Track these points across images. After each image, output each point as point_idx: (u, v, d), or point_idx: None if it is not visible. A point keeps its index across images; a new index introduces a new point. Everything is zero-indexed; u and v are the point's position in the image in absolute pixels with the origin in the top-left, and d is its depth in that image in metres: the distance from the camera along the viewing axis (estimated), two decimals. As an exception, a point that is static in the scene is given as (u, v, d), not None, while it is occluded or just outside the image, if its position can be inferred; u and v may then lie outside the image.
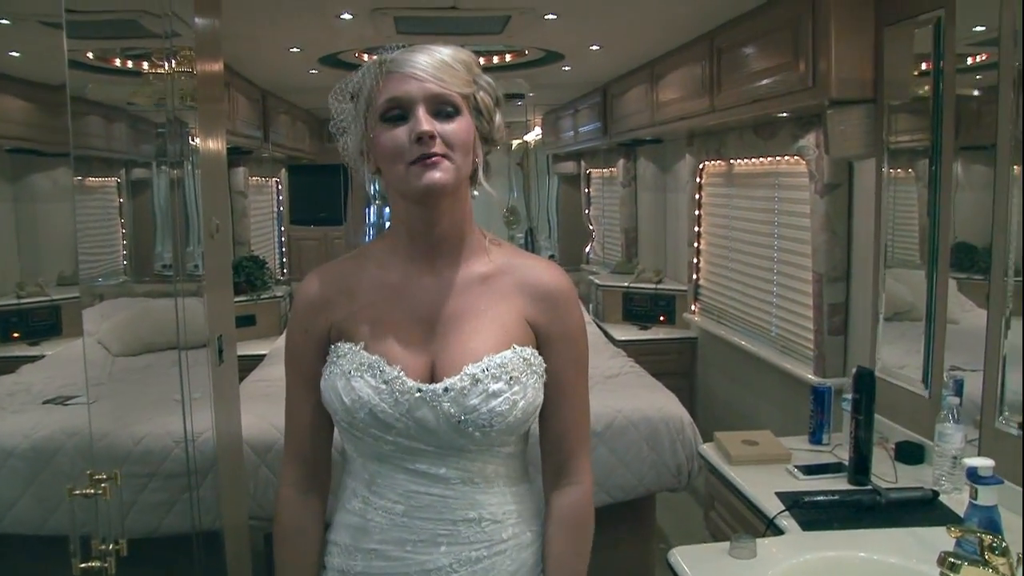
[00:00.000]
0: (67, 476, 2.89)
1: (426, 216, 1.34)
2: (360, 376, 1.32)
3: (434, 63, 1.28)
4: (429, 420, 1.30)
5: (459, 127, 1.29)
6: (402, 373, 1.31)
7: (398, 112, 1.28)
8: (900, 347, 2.78)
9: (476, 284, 1.38)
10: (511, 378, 1.31)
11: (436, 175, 1.26)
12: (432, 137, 1.26)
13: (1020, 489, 2.01)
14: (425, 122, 1.26)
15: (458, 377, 1.30)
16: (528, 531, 1.41)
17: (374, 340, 1.35)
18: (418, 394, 1.30)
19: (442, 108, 1.28)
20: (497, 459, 1.37)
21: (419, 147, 1.26)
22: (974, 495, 1.81)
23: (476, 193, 1.40)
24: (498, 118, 1.38)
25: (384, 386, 1.30)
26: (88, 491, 1.62)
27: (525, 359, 1.35)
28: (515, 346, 1.35)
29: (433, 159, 1.26)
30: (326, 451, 1.47)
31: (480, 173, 1.37)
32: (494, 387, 1.30)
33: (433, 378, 1.33)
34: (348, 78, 1.35)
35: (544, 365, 1.38)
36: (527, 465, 1.45)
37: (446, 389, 1.30)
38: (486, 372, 1.30)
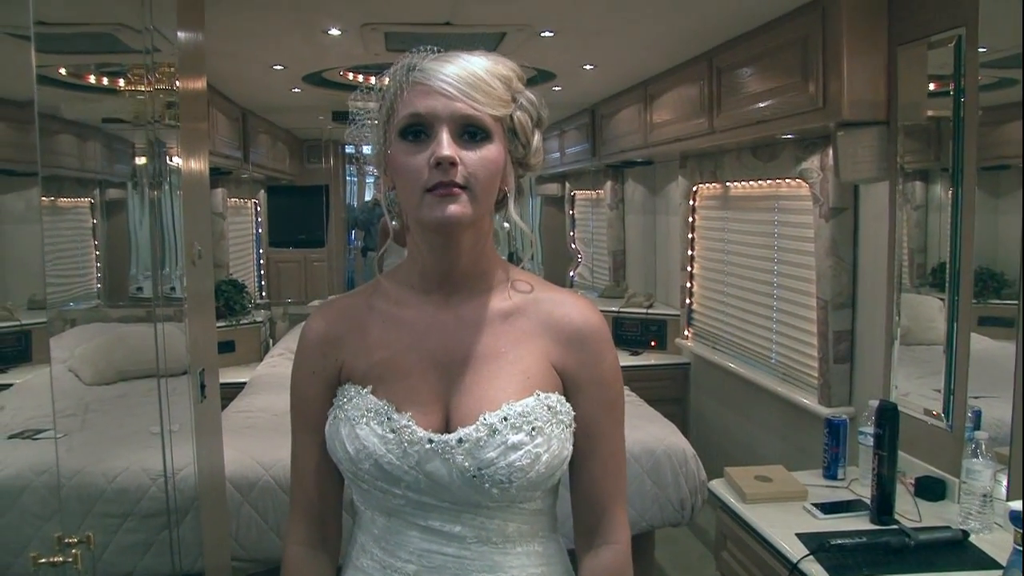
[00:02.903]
0: (35, 516, 2.72)
1: (443, 248, 1.19)
2: (366, 423, 1.17)
3: (467, 78, 1.12)
4: (441, 474, 1.15)
5: (487, 155, 1.14)
6: (412, 421, 1.17)
7: (420, 130, 1.12)
8: (900, 373, 2.68)
9: (497, 322, 1.23)
10: (533, 428, 1.16)
11: (453, 208, 1.11)
12: (453, 164, 1.10)
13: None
14: (447, 146, 1.10)
15: (474, 427, 1.16)
16: (556, 596, 1.26)
17: (383, 383, 1.20)
18: (429, 445, 1.16)
19: (469, 131, 1.13)
20: (520, 516, 1.22)
21: (438, 173, 1.10)
22: (1019, 541, 1.70)
23: (507, 225, 1.25)
24: (536, 140, 1.23)
25: (392, 435, 1.16)
26: (56, 559, 1.37)
27: (550, 407, 1.19)
28: (538, 392, 1.19)
29: (452, 189, 1.11)
30: (336, 504, 1.31)
31: (511, 204, 1.23)
32: (514, 439, 1.15)
33: (447, 427, 1.18)
34: (377, 80, 1.19)
35: (572, 413, 1.23)
36: (556, 520, 1.30)
37: (460, 440, 1.15)
38: (505, 421, 1.16)
